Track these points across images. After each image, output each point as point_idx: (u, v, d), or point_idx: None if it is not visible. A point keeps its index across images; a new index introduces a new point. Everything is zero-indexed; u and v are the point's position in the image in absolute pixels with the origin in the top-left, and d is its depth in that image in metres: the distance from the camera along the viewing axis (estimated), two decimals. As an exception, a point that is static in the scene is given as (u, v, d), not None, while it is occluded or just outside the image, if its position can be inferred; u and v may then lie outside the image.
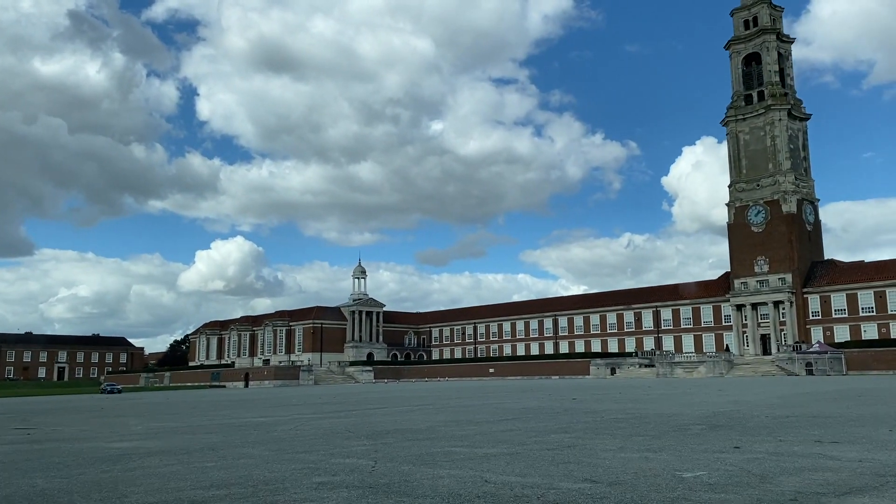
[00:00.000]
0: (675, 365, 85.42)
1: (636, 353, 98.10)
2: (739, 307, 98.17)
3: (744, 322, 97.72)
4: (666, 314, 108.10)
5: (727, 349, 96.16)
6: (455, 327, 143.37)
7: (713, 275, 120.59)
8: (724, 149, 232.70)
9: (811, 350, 77.08)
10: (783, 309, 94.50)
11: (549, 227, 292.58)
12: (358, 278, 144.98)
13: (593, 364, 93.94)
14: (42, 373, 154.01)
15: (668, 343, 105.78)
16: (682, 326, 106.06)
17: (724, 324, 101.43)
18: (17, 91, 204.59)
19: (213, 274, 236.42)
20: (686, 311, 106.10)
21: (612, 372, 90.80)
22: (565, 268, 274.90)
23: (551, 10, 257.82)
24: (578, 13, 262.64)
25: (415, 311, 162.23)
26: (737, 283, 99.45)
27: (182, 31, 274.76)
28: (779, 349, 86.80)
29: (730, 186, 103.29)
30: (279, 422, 21.02)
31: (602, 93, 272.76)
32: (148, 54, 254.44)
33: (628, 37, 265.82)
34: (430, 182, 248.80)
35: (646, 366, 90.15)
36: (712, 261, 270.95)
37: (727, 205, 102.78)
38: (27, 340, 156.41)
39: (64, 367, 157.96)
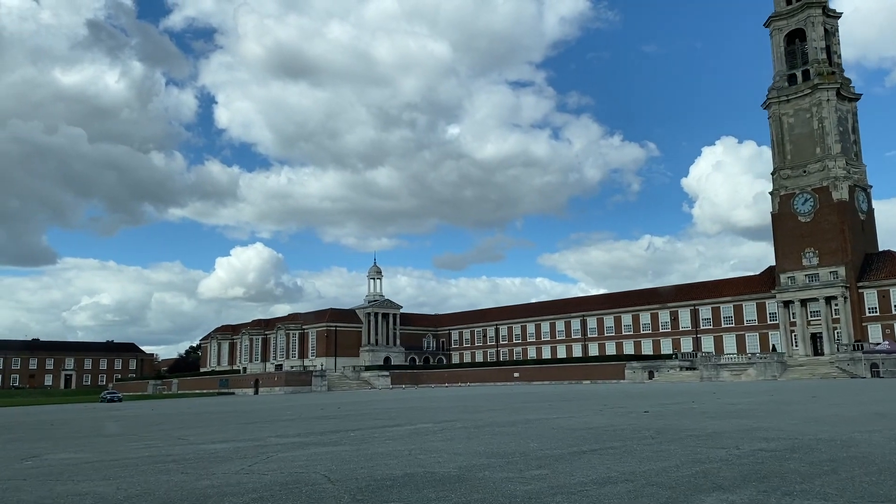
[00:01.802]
0: (720, 367, 77.75)
1: (675, 354, 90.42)
2: (787, 304, 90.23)
3: (792, 320, 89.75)
4: (705, 312, 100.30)
5: (774, 349, 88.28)
6: (476, 329, 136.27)
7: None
8: (745, 148, 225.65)
9: (879, 349, 69.10)
10: (836, 305, 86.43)
11: (567, 230, 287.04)
12: (373, 279, 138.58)
13: (629, 367, 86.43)
14: (49, 380, 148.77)
15: (708, 344, 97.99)
16: (724, 326, 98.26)
17: (769, 322, 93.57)
18: (37, 102, 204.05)
19: (233, 281, 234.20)
20: (727, 310, 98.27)
21: (650, 376, 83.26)
22: (584, 271, 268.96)
23: (568, 12, 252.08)
24: (595, 14, 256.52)
25: (433, 314, 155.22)
26: (783, 277, 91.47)
27: (199, 39, 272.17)
28: (838, 349, 78.74)
29: (773, 174, 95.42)
30: (237, 453, 14.16)
31: (620, 94, 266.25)
32: (166, 63, 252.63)
33: (646, 37, 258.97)
34: (447, 187, 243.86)
35: (687, 368, 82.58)
36: (734, 262, 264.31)
37: (771, 193, 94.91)
38: (33, 347, 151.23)
39: (71, 375, 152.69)
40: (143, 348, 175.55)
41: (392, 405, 35.43)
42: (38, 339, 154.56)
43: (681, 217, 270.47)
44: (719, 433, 14.74)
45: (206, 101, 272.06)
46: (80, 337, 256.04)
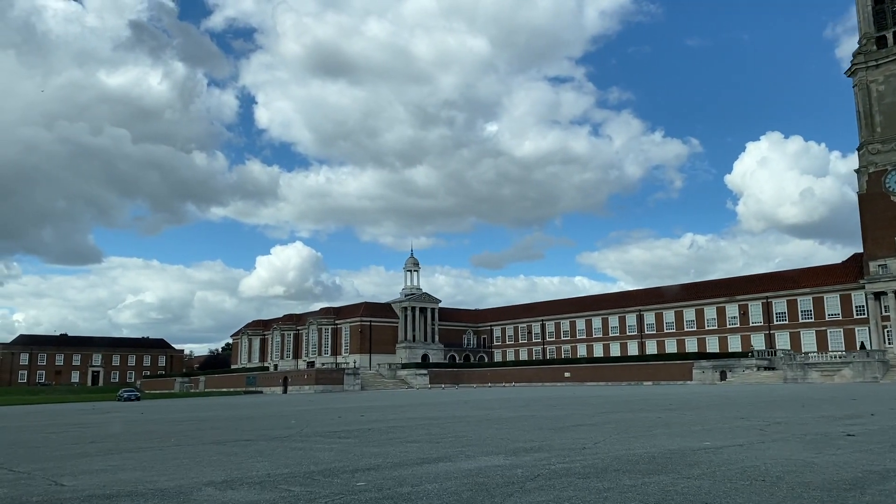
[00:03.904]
0: (808, 367, 67.68)
1: (750, 353, 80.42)
2: (878, 295, 79.57)
3: (884, 314, 79.06)
4: (780, 306, 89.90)
5: (862, 347, 77.73)
6: (520, 325, 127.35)
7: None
8: (791, 143, 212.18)
9: None
10: (937, 297, 75.53)
11: (607, 228, 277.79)
12: (410, 271, 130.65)
13: (697, 367, 76.90)
14: (76, 377, 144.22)
15: (783, 340, 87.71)
16: (801, 321, 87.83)
17: (855, 316, 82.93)
18: (83, 104, 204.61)
19: (274, 279, 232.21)
20: (805, 303, 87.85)
21: (723, 376, 73.55)
22: (624, 270, 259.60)
23: (608, 6, 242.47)
24: (637, 7, 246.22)
25: (473, 309, 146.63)
26: (872, 265, 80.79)
27: (239, 39, 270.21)
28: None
29: (859, 149, 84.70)
30: None
31: (662, 89, 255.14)
32: (208, 63, 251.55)
33: (689, 30, 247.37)
34: (485, 185, 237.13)
35: (765, 368, 72.70)
36: (779, 260, 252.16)
37: (857, 171, 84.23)
38: (61, 342, 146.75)
39: (98, 371, 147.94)
40: (186, 346, 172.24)
41: (432, 413, 27.02)
42: (66, 335, 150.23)
43: (725, 214, 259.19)
44: None
45: (247, 101, 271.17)
46: (126, 335, 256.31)
